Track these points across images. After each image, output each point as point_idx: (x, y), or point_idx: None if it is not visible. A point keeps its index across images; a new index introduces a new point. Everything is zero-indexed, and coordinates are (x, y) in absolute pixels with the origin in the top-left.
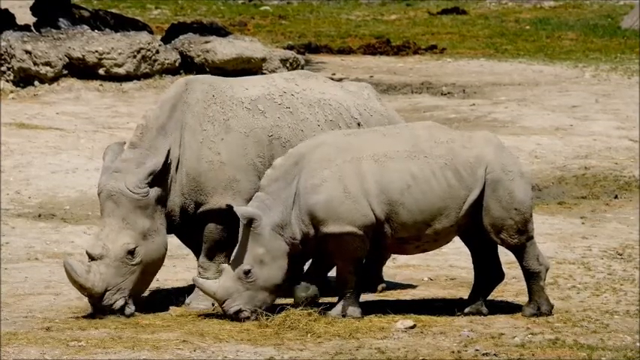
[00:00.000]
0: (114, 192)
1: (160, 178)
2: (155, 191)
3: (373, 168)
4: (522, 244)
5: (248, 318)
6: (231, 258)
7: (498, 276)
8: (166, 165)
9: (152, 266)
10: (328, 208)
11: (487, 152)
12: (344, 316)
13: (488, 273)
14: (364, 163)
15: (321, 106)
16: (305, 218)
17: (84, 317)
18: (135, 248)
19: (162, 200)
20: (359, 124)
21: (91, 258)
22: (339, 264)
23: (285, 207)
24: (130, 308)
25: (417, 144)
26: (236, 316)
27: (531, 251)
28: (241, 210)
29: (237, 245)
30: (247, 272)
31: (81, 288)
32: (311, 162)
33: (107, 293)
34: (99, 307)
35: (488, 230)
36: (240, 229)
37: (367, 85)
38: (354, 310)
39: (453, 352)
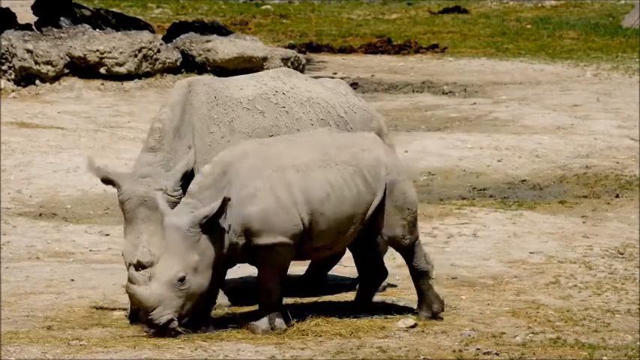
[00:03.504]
0: (148, 197)
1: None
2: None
3: (297, 177)
4: (412, 244)
5: (175, 330)
6: (162, 264)
7: (383, 273)
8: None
9: None
10: (264, 218)
11: (381, 154)
12: (272, 329)
13: (374, 272)
14: (288, 173)
15: (312, 105)
16: (237, 229)
17: (85, 316)
18: None
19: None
20: (346, 123)
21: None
22: (267, 274)
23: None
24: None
25: (326, 152)
26: (164, 327)
27: (419, 251)
28: (201, 212)
29: (168, 251)
30: (182, 279)
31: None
32: (240, 172)
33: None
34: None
35: (382, 232)
36: (171, 235)
37: (341, 81)
38: (281, 322)
39: (454, 351)
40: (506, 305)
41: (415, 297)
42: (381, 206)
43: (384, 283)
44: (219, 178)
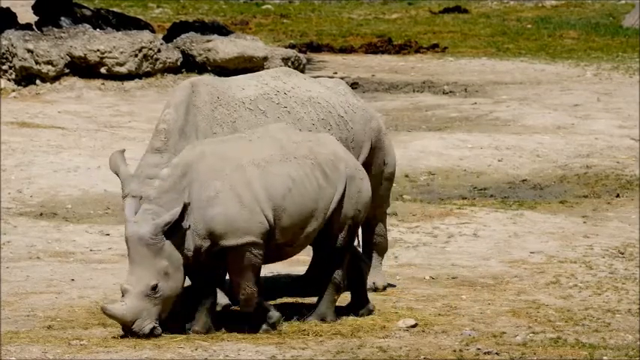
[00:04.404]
0: None
1: None
2: None
3: (257, 174)
4: (344, 249)
5: (160, 334)
6: (131, 276)
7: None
8: None
9: None
10: (227, 220)
11: (339, 149)
12: (271, 327)
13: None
14: (248, 170)
15: (312, 105)
16: (201, 232)
17: (85, 316)
18: None
19: None
20: (346, 122)
21: None
22: (239, 277)
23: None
24: None
25: (283, 146)
26: (150, 335)
27: (345, 262)
28: (163, 219)
29: (134, 262)
30: (155, 287)
31: None
32: (200, 173)
33: None
34: None
35: (331, 226)
36: (135, 245)
37: (341, 81)
38: (277, 316)
39: (455, 350)
40: (507, 305)
41: (415, 297)
42: (340, 201)
43: (384, 283)
44: (179, 181)
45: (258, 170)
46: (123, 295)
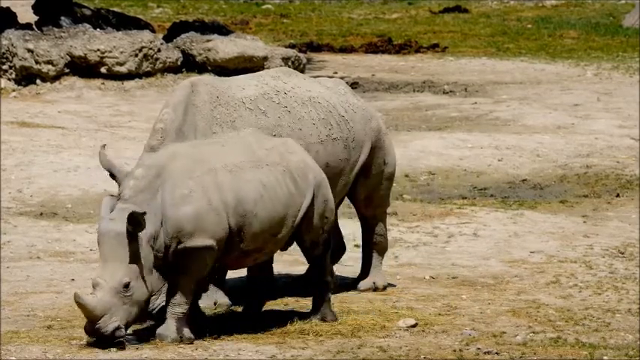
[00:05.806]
0: None
1: None
2: None
3: (228, 178)
4: (323, 253)
5: (123, 338)
6: (104, 271)
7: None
8: None
9: None
10: (197, 219)
11: (307, 157)
12: (181, 338)
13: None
14: (220, 174)
15: (313, 105)
16: (170, 230)
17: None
18: None
19: None
20: (347, 122)
21: None
22: (185, 279)
23: (155, 219)
24: None
25: (254, 152)
26: (112, 335)
27: (327, 263)
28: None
29: (108, 259)
30: (127, 285)
31: None
32: (173, 173)
33: None
34: None
35: (302, 237)
36: (111, 242)
37: (340, 81)
38: (188, 332)
39: (455, 350)
40: (507, 305)
41: (415, 297)
42: (309, 209)
43: (384, 283)
44: (153, 181)
45: (230, 175)
46: (94, 288)
